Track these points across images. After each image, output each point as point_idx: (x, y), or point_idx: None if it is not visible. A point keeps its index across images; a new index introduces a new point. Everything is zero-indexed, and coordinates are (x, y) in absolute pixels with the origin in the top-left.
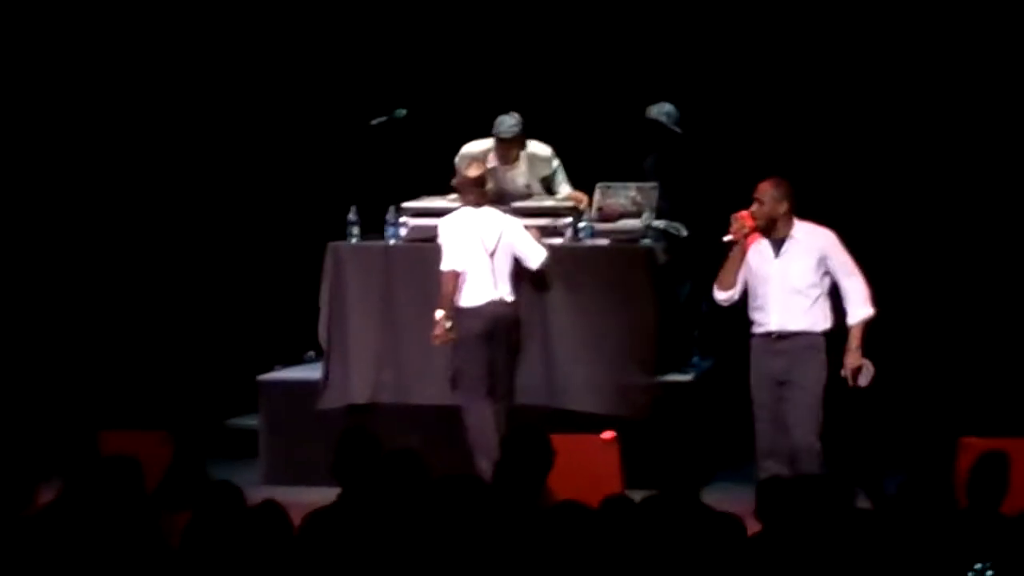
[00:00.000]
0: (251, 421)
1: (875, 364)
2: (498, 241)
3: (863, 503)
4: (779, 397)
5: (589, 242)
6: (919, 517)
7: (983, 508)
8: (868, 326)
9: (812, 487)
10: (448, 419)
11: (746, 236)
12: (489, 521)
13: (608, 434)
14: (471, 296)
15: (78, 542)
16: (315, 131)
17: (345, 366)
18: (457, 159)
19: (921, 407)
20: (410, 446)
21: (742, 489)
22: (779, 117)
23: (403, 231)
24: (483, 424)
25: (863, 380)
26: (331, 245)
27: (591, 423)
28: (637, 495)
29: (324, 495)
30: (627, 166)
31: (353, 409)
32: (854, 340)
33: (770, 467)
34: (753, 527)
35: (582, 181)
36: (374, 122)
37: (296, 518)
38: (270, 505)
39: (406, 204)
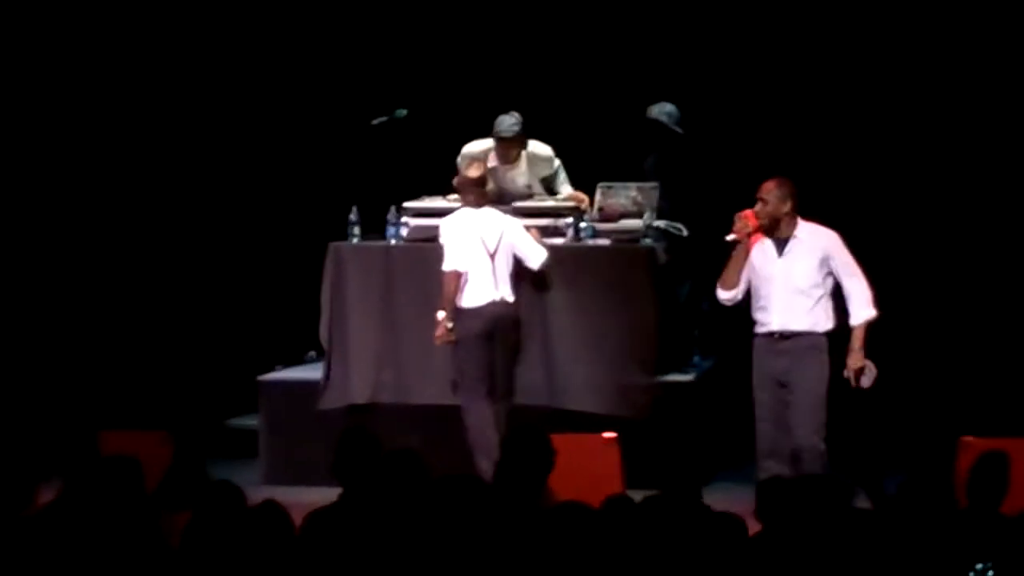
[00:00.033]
0: (251, 421)
1: (876, 364)
2: (499, 242)
3: (863, 503)
4: (781, 397)
5: (590, 242)
6: (919, 517)
7: (983, 508)
8: (870, 327)
9: (812, 487)
10: (448, 419)
11: (749, 235)
12: (490, 521)
13: (609, 435)
14: (472, 297)
15: (78, 542)
16: (316, 131)
17: (345, 366)
18: (459, 159)
19: (921, 407)
20: (410, 446)
21: (743, 489)
22: (780, 117)
23: (404, 231)
24: (483, 424)
25: (865, 381)
26: (332, 245)
27: (592, 423)
28: (638, 495)
29: (324, 495)
30: (628, 166)
31: (353, 409)
32: (856, 341)
33: (771, 467)
34: (754, 527)
35: (583, 181)
36: (375, 122)
37: (297, 518)
38: (270, 505)
39: (407, 204)
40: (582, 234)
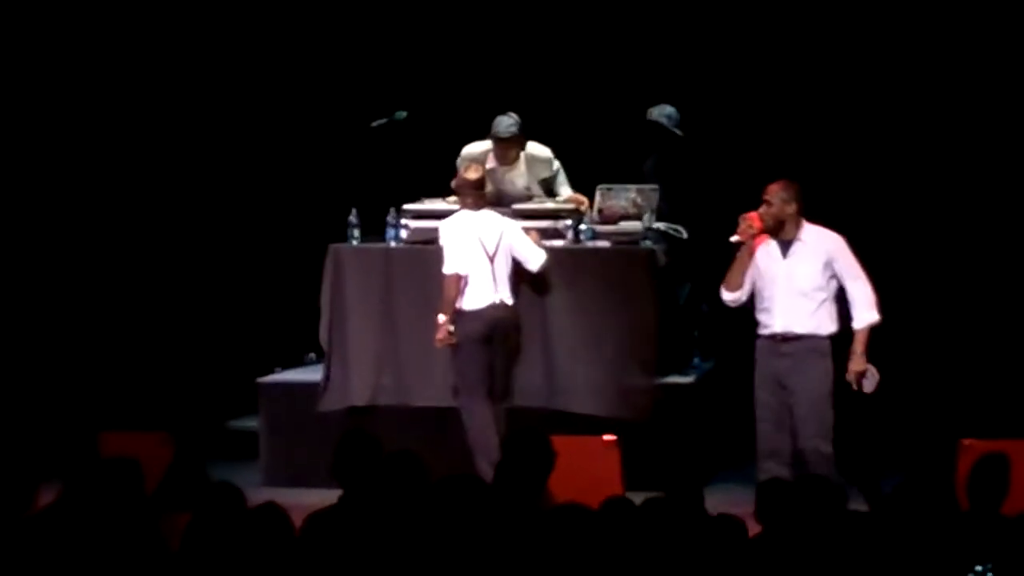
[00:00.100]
0: (251, 423)
1: (877, 367)
2: (498, 244)
3: (863, 505)
4: (782, 399)
5: (590, 244)
6: (920, 519)
7: (984, 510)
8: (874, 331)
9: (812, 489)
10: (448, 421)
11: (753, 237)
12: (489, 523)
13: (609, 437)
14: (472, 299)
15: (78, 543)
16: (315, 133)
17: (345, 368)
18: (458, 161)
19: (922, 409)
20: (410, 448)
21: (743, 490)
22: (780, 119)
23: (403, 233)
24: (483, 426)
25: (868, 386)
26: (332, 247)
27: (592, 425)
28: (638, 497)
29: (324, 497)
30: (627, 168)
31: (353, 411)
32: (859, 345)
33: (771, 468)
34: (754, 528)
35: (582, 183)
36: (374, 124)
37: (297, 520)
38: (271, 507)
39: (406, 206)
40: (582, 236)
